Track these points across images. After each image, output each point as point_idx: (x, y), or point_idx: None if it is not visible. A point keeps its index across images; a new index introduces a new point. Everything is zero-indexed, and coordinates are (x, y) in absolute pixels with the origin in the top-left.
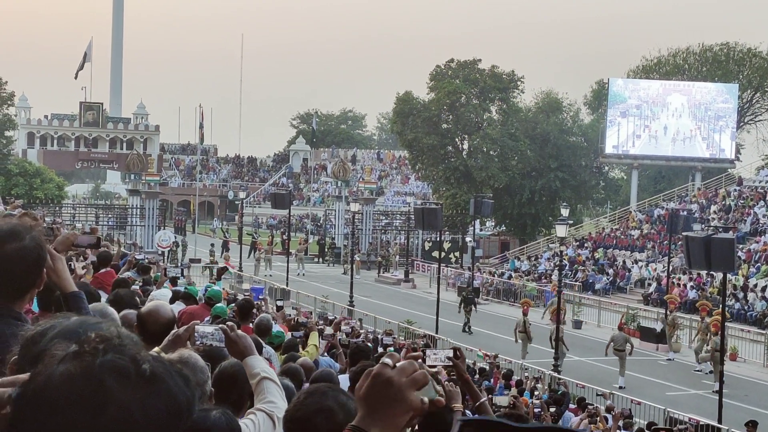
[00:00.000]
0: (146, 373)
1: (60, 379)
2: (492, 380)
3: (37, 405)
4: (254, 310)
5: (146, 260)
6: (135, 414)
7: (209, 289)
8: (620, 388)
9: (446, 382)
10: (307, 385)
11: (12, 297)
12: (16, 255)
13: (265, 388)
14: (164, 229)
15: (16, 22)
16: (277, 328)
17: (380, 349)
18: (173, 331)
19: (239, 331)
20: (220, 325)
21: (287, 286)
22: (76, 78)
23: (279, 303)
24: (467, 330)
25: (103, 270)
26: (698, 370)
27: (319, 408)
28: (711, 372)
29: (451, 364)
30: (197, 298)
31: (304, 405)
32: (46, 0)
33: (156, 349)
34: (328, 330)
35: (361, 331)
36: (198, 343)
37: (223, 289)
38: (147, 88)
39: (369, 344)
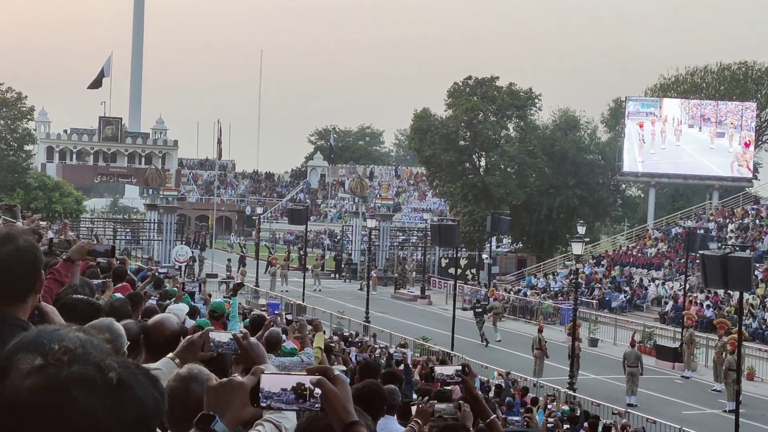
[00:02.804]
0: (113, 381)
1: (26, 393)
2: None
3: (4, 421)
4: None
5: (162, 275)
6: (102, 422)
7: (213, 302)
8: (629, 405)
9: (460, 401)
10: None
11: (13, 302)
12: (12, 257)
13: None
14: (182, 243)
15: (37, 38)
16: (291, 345)
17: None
18: (188, 337)
19: (253, 340)
20: (234, 333)
21: (303, 301)
22: (89, 88)
23: (289, 317)
24: (484, 342)
25: (119, 284)
26: (715, 389)
27: (330, 424)
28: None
29: (460, 380)
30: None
31: (317, 419)
32: (66, 15)
33: (170, 355)
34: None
35: (376, 346)
36: (212, 350)
37: (239, 303)
38: (166, 103)
39: (382, 361)
